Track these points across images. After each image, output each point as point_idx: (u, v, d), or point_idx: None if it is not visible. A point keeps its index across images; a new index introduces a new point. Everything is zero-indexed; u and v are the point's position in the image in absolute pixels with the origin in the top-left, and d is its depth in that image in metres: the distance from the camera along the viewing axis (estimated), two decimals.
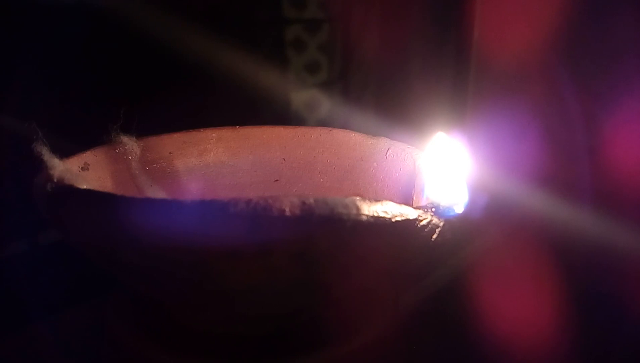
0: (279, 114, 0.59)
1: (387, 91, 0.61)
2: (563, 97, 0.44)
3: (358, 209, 0.22)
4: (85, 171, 0.31)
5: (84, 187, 0.26)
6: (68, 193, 0.25)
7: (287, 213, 0.21)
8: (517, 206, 0.41)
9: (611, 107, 0.42)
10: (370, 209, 0.22)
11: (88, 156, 0.32)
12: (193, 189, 0.37)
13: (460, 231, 0.26)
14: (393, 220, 0.23)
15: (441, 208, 0.25)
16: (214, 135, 0.38)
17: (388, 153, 0.36)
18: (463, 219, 0.26)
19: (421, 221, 0.24)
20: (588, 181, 0.43)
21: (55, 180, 0.26)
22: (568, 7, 0.42)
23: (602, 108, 0.42)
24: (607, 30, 0.42)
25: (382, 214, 0.23)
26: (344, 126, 0.39)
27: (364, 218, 0.22)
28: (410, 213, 0.24)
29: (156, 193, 0.35)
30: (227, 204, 0.21)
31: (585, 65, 0.43)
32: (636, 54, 0.41)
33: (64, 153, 0.29)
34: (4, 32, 0.41)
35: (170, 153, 0.37)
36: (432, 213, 0.25)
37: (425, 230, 0.24)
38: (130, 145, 0.34)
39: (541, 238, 0.40)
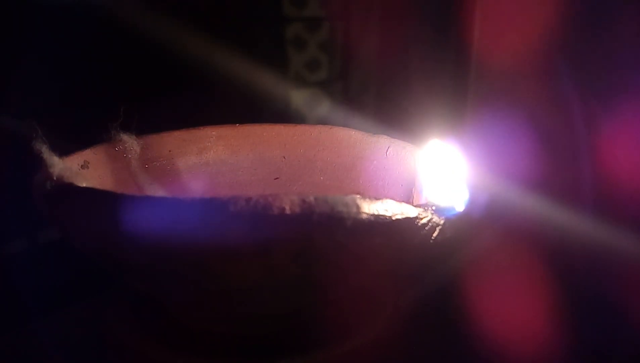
0: (279, 112, 0.59)
1: (387, 89, 0.61)
2: (562, 100, 0.44)
3: (358, 207, 0.22)
4: (85, 169, 0.31)
5: (84, 185, 0.26)
6: (68, 191, 0.24)
7: (287, 211, 0.21)
8: (516, 208, 0.41)
9: (611, 110, 0.41)
10: (371, 207, 0.22)
11: (88, 155, 0.32)
12: (193, 187, 0.37)
13: (460, 230, 0.26)
14: (393, 218, 0.23)
15: (441, 206, 0.25)
16: (214, 133, 0.38)
17: (388, 151, 0.36)
18: (463, 217, 0.26)
19: (421, 219, 0.24)
20: (587, 184, 0.43)
21: (54, 178, 0.26)
22: (567, 9, 0.42)
23: (602, 110, 0.42)
24: (606, 31, 0.42)
25: (382, 213, 0.23)
26: (344, 125, 0.39)
27: (364, 216, 0.22)
28: (410, 212, 0.24)
29: (156, 191, 0.35)
30: (227, 203, 0.21)
31: (584, 67, 0.43)
32: (636, 56, 0.41)
33: (64, 151, 0.28)
34: (4, 31, 0.41)
35: (170, 151, 0.37)
36: (432, 212, 0.25)
37: (426, 228, 0.24)
38: (130, 143, 0.34)
39: (540, 239, 0.40)
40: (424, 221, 0.24)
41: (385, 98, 0.61)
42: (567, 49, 0.43)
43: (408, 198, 0.33)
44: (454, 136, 0.31)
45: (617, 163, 0.40)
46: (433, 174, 0.31)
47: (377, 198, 0.23)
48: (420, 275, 0.36)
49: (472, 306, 0.34)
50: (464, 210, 0.26)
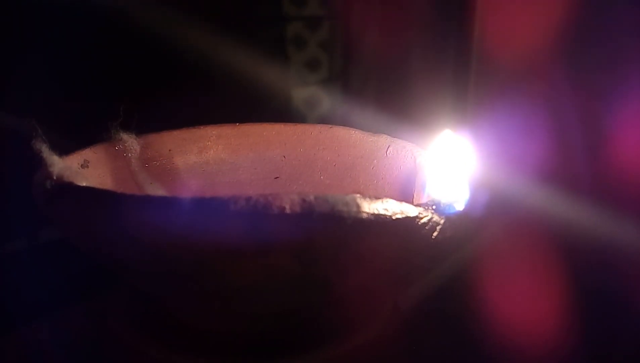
0: (280, 112, 0.59)
1: (388, 88, 0.61)
2: (565, 93, 0.44)
3: (358, 206, 0.22)
4: (85, 168, 0.31)
5: (84, 184, 0.26)
6: (67, 190, 0.24)
7: (287, 211, 0.21)
8: (520, 203, 0.41)
9: (614, 103, 0.41)
10: (371, 206, 0.22)
11: (88, 154, 0.32)
12: (193, 186, 0.37)
13: (461, 229, 0.26)
14: (394, 218, 0.23)
15: (442, 205, 0.25)
16: (214, 132, 0.38)
17: (388, 151, 0.36)
18: (464, 216, 0.26)
19: (422, 218, 0.24)
20: (590, 178, 0.43)
21: (54, 178, 0.26)
22: (570, 3, 0.42)
23: (605, 104, 0.42)
24: (608, 26, 0.42)
25: (382, 212, 0.22)
26: (345, 124, 0.39)
27: (365, 215, 0.22)
28: (410, 211, 0.24)
29: (156, 190, 0.35)
30: (227, 202, 0.21)
31: (587, 61, 0.43)
32: (638, 51, 0.41)
33: (64, 150, 0.28)
34: (4, 30, 0.41)
35: (170, 150, 0.37)
36: (432, 211, 0.25)
37: (426, 227, 0.24)
38: (130, 142, 0.34)
39: (543, 234, 0.40)
40: (425, 220, 0.24)
41: (386, 97, 0.61)
42: (568, 41, 0.43)
43: (408, 197, 0.33)
44: (457, 131, 0.31)
45: (619, 157, 0.40)
46: (434, 172, 0.31)
47: (377, 197, 0.23)
48: (421, 274, 0.36)
49: (474, 304, 0.34)
50: (465, 209, 0.26)
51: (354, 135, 0.38)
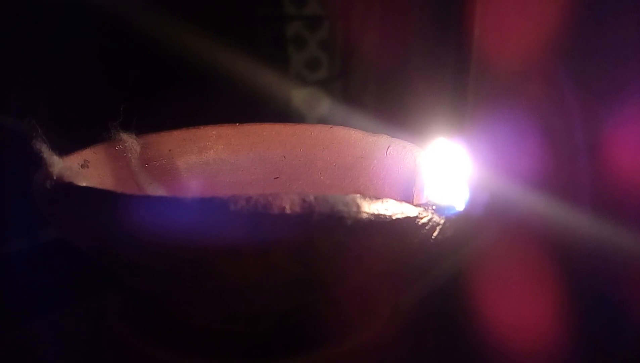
0: (279, 112, 0.59)
1: (387, 88, 0.61)
2: (563, 98, 0.44)
3: (358, 207, 0.22)
4: (85, 168, 0.31)
5: (84, 184, 0.26)
6: (67, 190, 0.24)
7: (287, 211, 0.21)
8: (517, 207, 0.41)
9: (611, 108, 0.41)
10: (371, 207, 0.22)
11: (88, 154, 0.32)
12: (193, 186, 0.37)
13: (460, 229, 0.26)
14: (393, 218, 0.23)
15: (442, 205, 0.25)
16: (214, 132, 0.38)
17: (388, 151, 0.36)
18: (464, 217, 0.26)
19: (422, 219, 0.24)
20: (588, 182, 0.43)
21: (54, 178, 0.26)
22: (568, 8, 0.42)
23: (602, 109, 0.42)
24: (607, 30, 0.42)
25: (382, 212, 0.22)
26: (344, 124, 0.39)
27: (365, 215, 0.22)
28: (410, 211, 0.24)
29: (156, 190, 0.35)
30: (227, 202, 0.21)
31: (585, 65, 0.43)
32: (636, 55, 0.41)
33: (64, 150, 0.28)
34: (4, 31, 0.41)
35: (170, 150, 0.37)
36: (432, 211, 0.25)
37: (426, 227, 0.24)
38: (130, 142, 0.34)
39: (541, 237, 0.40)
40: (425, 220, 0.24)
41: (385, 97, 0.61)
42: (568, 46, 0.43)
43: (408, 198, 0.33)
44: (455, 134, 0.31)
45: (617, 161, 0.40)
46: (434, 173, 0.31)
47: (377, 198, 0.23)
48: (421, 274, 0.36)
49: (473, 305, 0.34)
50: (465, 209, 0.26)
51: (354, 135, 0.38)
